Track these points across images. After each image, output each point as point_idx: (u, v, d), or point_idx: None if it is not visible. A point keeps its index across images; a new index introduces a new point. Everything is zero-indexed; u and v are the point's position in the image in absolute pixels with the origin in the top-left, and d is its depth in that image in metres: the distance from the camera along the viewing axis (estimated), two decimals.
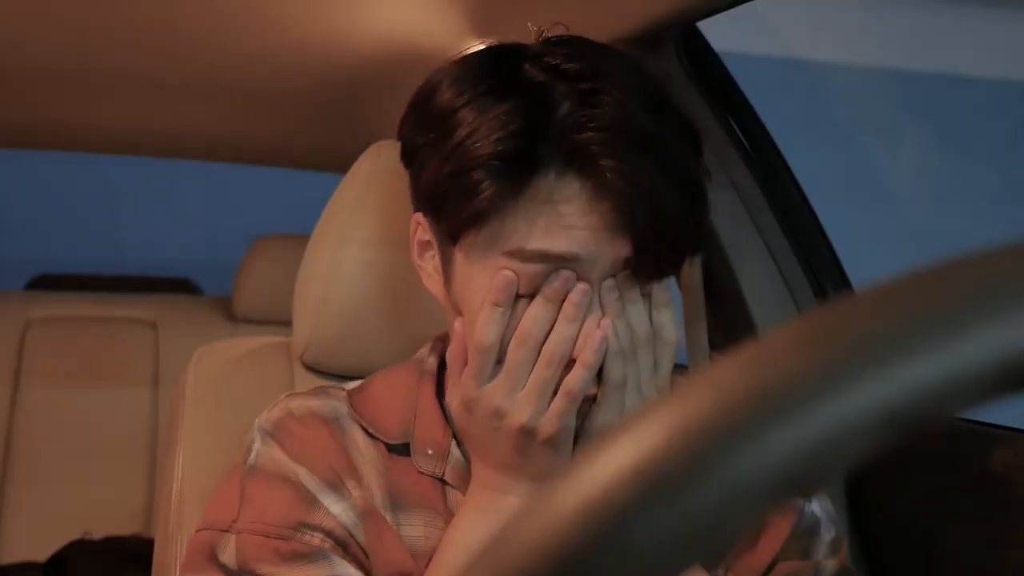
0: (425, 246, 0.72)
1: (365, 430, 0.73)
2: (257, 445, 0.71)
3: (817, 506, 0.75)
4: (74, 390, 1.94)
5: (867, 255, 1.41)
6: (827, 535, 0.74)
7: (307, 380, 0.91)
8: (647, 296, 0.66)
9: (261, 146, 2.11)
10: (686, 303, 1.09)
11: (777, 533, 0.73)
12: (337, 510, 0.68)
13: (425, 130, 0.68)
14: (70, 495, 1.87)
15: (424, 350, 0.79)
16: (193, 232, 4.24)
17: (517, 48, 0.68)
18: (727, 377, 0.21)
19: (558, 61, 0.65)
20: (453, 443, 0.72)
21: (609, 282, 0.64)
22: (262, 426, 0.73)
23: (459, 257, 0.67)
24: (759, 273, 1.08)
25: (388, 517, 0.69)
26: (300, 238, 1.49)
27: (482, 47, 0.71)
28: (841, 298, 0.23)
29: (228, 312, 2.06)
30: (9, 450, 1.87)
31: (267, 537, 0.66)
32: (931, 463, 0.88)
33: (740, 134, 1.10)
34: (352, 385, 0.78)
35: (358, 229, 0.85)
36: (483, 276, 0.65)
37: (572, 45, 0.68)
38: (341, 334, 0.87)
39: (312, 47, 1.42)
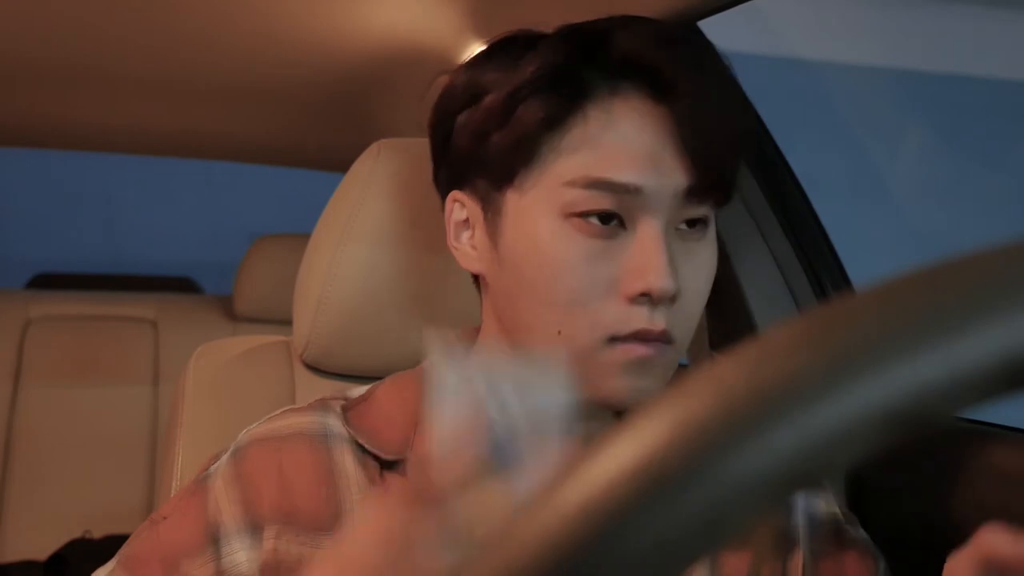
0: (462, 226, 0.69)
1: (361, 446, 0.68)
2: (222, 459, 0.68)
3: (862, 534, 0.73)
4: (74, 389, 1.94)
5: (867, 255, 1.41)
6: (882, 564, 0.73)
7: (307, 379, 0.91)
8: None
9: (261, 146, 2.11)
10: None
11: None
12: (241, 557, 0.64)
13: (457, 100, 0.67)
14: (70, 494, 1.87)
15: None
16: (193, 231, 4.24)
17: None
18: (727, 376, 0.21)
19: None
20: None
21: None
22: (239, 441, 0.69)
23: (511, 199, 0.64)
24: (759, 273, 1.08)
25: None
26: (300, 237, 1.48)
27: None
28: (841, 298, 0.23)
29: (228, 311, 2.06)
30: (9, 449, 1.87)
31: (156, 547, 0.65)
32: (931, 463, 0.88)
33: None
34: (358, 392, 0.74)
35: (358, 228, 0.85)
36: (540, 206, 0.62)
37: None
38: (341, 333, 0.87)
39: (312, 47, 1.42)
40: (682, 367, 1.22)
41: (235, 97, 1.71)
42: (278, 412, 0.72)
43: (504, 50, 0.66)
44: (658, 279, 0.60)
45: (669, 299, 0.61)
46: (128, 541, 0.67)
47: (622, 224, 0.62)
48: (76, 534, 1.79)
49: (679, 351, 0.65)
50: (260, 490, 0.65)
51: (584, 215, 0.61)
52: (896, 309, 0.21)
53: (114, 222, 4.14)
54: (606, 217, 0.61)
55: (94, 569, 0.66)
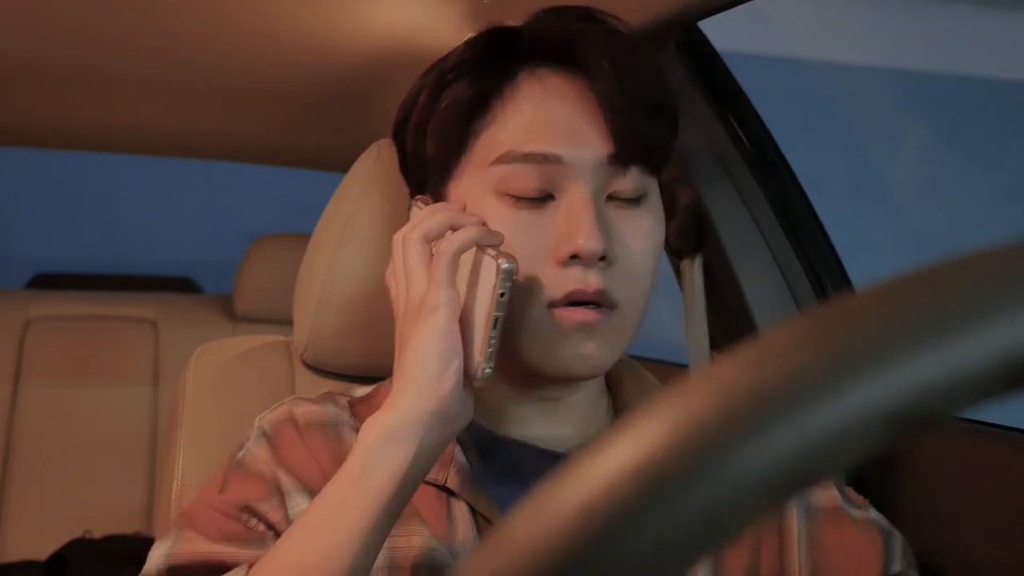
0: None
1: None
2: (249, 444, 0.71)
3: (874, 513, 0.72)
4: (74, 389, 1.94)
5: (867, 255, 1.41)
6: (898, 541, 0.71)
7: (308, 379, 0.91)
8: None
9: (261, 146, 2.11)
10: (686, 303, 1.09)
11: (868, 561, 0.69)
12: (301, 511, 0.65)
13: (405, 107, 0.72)
14: (70, 494, 1.87)
15: None
16: (193, 231, 4.24)
17: None
18: (727, 376, 0.21)
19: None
20: (457, 449, 0.69)
21: None
22: (261, 425, 0.72)
23: (452, 191, 0.68)
24: (759, 273, 1.08)
25: None
26: (300, 237, 1.48)
27: None
28: (841, 298, 0.23)
29: (228, 311, 2.06)
30: (9, 449, 1.87)
31: (217, 512, 0.65)
32: (931, 463, 0.88)
33: (741, 134, 1.10)
34: (360, 393, 0.77)
35: (358, 228, 0.85)
36: (476, 190, 0.66)
37: None
38: (341, 333, 0.87)
39: (313, 46, 1.42)
40: (682, 367, 1.22)
41: (235, 97, 1.71)
42: (286, 400, 0.75)
43: (444, 56, 0.71)
44: (587, 240, 0.62)
45: (600, 259, 0.63)
46: (181, 526, 0.66)
47: (552, 196, 0.65)
48: (76, 534, 1.79)
49: (628, 319, 0.67)
50: (300, 463, 0.68)
51: (514, 189, 0.65)
52: (896, 309, 0.21)
53: (114, 222, 4.14)
54: (535, 189, 0.65)
55: (94, 569, 0.66)
